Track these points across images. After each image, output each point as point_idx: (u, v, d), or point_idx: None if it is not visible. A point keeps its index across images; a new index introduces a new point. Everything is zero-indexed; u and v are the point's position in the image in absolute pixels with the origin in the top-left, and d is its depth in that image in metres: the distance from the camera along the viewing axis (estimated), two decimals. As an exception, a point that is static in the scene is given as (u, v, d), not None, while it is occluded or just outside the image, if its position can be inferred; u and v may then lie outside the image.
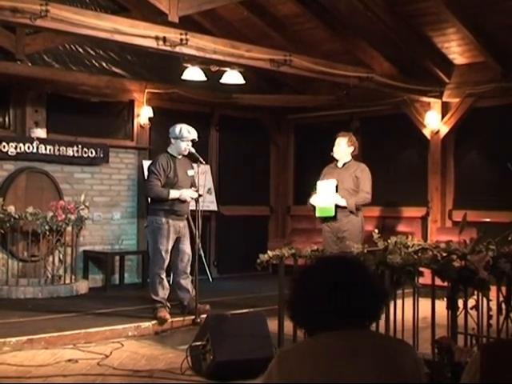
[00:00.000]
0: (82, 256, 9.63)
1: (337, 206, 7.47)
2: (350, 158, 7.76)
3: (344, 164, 7.73)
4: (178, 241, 7.27)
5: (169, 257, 7.25)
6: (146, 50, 7.51)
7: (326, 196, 7.49)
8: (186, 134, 7.21)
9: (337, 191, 7.44)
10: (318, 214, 7.64)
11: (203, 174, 7.38)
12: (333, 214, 7.42)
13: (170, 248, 7.21)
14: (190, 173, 7.15)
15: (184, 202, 7.16)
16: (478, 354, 2.20)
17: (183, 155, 7.32)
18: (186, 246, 7.30)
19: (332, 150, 7.74)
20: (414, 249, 4.87)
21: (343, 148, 7.68)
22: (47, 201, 8.95)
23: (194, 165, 7.35)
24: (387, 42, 9.48)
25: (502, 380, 2.10)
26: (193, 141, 7.28)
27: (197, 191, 7.21)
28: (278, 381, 2.13)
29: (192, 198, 7.16)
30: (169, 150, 7.34)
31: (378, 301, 2.26)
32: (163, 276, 7.21)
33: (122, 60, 10.21)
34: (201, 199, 7.19)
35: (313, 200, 7.62)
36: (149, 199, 7.87)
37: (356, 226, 7.60)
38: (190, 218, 7.36)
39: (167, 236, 7.15)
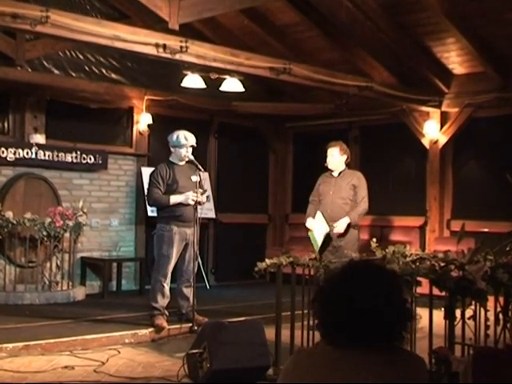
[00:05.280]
0: (80, 262, 9.62)
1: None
2: (344, 166, 7.77)
3: (340, 173, 7.74)
4: (185, 248, 7.26)
5: (173, 264, 7.23)
6: (146, 57, 7.51)
7: (319, 228, 7.48)
8: (183, 141, 7.22)
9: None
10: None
11: (202, 181, 7.39)
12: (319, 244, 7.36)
13: (174, 255, 7.18)
14: (194, 178, 7.12)
15: (188, 205, 7.14)
16: (470, 358, 2.24)
17: (186, 162, 7.33)
18: (193, 254, 7.24)
19: (325, 162, 7.74)
20: (412, 258, 4.86)
21: (337, 158, 7.68)
22: (45, 207, 8.95)
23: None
24: (387, 52, 9.51)
25: (490, 380, 2.14)
26: (192, 147, 7.28)
27: (202, 193, 7.18)
28: (290, 372, 2.21)
29: (195, 201, 7.08)
30: (170, 158, 7.35)
31: (399, 324, 2.21)
32: (165, 284, 7.18)
33: (121, 67, 10.22)
34: (199, 206, 7.16)
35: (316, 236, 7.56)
36: (153, 208, 7.85)
37: (352, 234, 7.59)
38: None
39: (172, 243, 7.13)
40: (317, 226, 7.23)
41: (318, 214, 7.31)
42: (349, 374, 2.11)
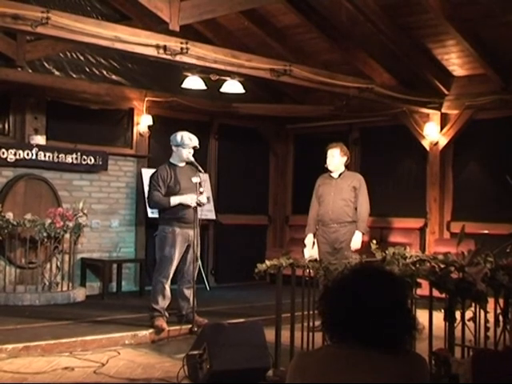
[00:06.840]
0: (80, 263, 9.62)
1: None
2: (344, 167, 7.78)
3: (340, 174, 7.74)
4: (187, 249, 7.25)
5: (175, 266, 7.23)
6: (146, 58, 7.52)
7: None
8: (187, 141, 7.22)
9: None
10: None
11: (202, 182, 7.39)
12: None
13: (176, 257, 7.17)
14: (195, 180, 7.13)
15: (189, 207, 7.14)
16: (470, 359, 2.24)
17: (186, 163, 7.33)
18: (195, 255, 7.24)
19: (325, 163, 7.75)
20: (412, 260, 4.86)
21: (337, 159, 7.69)
22: (46, 208, 8.95)
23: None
24: (387, 53, 9.51)
25: (490, 381, 2.15)
26: (194, 148, 7.29)
27: (201, 194, 7.18)
28: (295, 376, 2.22)
29: (197, 204, 7.10)
30: (171, 159, 7.35)
31: (405, 328, 2.23)
32: (166, 285, 7.17)
33: (122, 68, 10.23)
34: (199, 208, 7.17)
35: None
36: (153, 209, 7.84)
37: (353, 236, 7.63)
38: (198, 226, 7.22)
39: (174, 245, 7.12)
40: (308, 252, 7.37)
41: (316, 246, 7.47)
42: (352, 373, 2.12)
